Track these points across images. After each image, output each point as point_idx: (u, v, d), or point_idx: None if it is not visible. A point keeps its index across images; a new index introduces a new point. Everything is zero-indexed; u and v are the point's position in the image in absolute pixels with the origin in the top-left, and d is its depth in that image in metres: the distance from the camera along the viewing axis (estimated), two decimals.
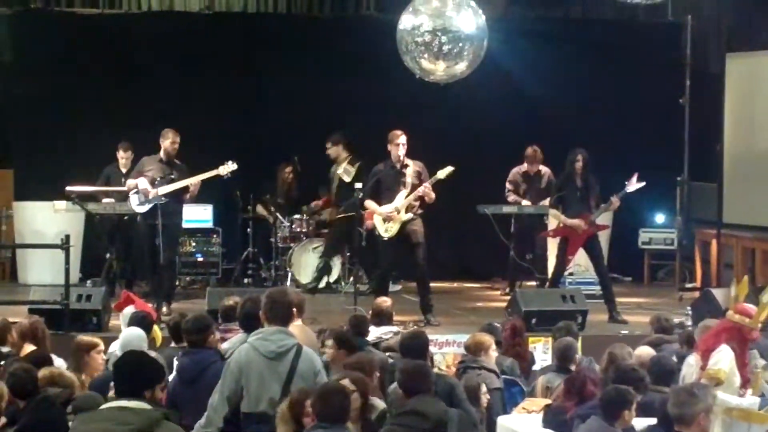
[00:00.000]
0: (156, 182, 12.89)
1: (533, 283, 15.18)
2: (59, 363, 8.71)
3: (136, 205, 12.97)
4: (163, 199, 12.80)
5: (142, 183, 12.88)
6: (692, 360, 8.18)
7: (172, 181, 12.98)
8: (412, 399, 7.31)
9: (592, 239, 13.61)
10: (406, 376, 7.47)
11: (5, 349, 8.79)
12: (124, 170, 14.91)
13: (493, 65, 14.19)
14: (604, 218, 16.30)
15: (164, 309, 12.69)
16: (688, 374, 8.14)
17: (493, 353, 9.00)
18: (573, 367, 8.67)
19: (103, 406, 5.66)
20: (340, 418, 6.34)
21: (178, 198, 13.09)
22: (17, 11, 16.08)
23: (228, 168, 13.36)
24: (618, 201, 13.64)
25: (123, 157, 14.97)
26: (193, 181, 13.03)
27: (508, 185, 15.10)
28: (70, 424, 5.51)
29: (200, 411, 7.38)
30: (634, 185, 13.63)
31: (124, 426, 5.33)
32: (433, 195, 12.65)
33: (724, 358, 7.89)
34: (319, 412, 6.31)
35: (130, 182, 13.14)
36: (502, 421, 8.00)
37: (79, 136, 15.71)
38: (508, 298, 14.07)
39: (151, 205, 12.80)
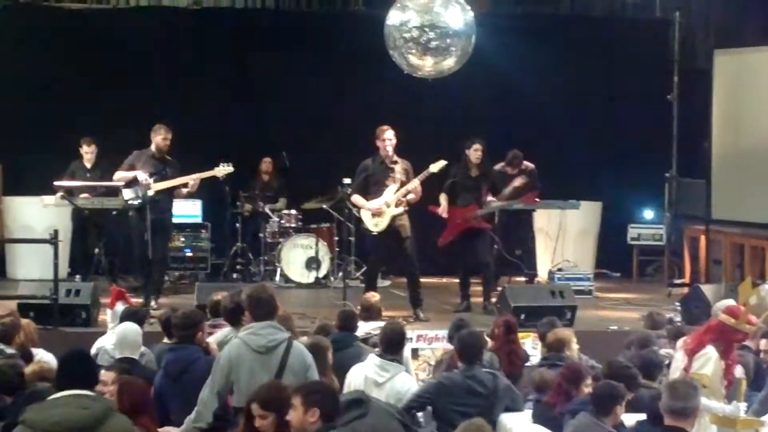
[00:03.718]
0: (147, 177, 12.85)
1: (522, 278, 15.22)
2: (48, 358, 8.68)
3: (128, 198, 12.92)
4: (154, 195, 12.76)
5: (142, 176, 12.81)
6: (680, 356, 8.17)
7: (165, 177, 12.97)
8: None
9: (470, 232, 13.31)
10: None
11: (10, 351, 8.52)
12: (88, 165, 14.97)
13: (481, 61, 14.18)
14: (593, 216, 16.38)
15: (152, 303, 12.72)
16: (676, 369, 8.13)
17: (575, 347, 9.05)
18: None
19: (57, 395, 5.73)
20: None
21: (170, 194, 13.09)
22: (5, 5, 16.08)
23: (224, 170, 13.38)
24: (499, 204, 13.75)
25: (87, 152, 14.98)
26: (190, 180, 13.01)
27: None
28: (20, 417, 5.64)
29: (186, 406, 7.40)
30: (530, 203, 14.02)
31: (84, 410, 5.47)
32: (420, 192, 12.61)
33: (708, 362, 7.83)
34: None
35: (124, 174, 13.04)
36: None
37: (67, 130, 15.65)
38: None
39: (142, 200, 12.76)
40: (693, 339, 8.06)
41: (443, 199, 13.40)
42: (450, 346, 9.88)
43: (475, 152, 13.36)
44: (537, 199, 14.12)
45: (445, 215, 13.37)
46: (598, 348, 10.26)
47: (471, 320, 10.54)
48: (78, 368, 5.86)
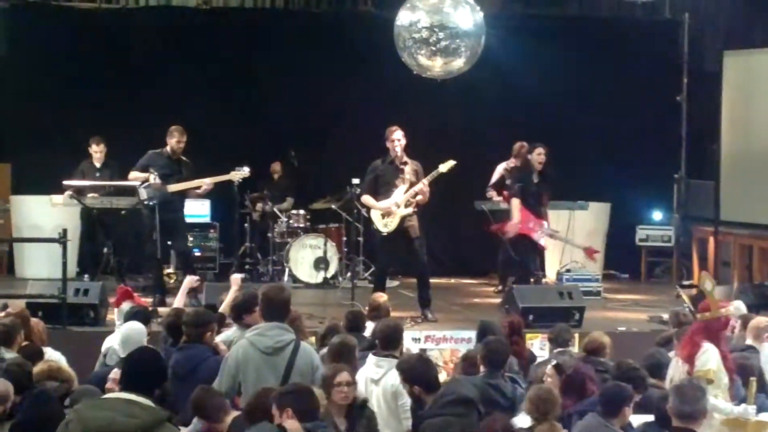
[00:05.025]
0: (157, 177, 12.94)
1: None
2: (57, 357, 8.69)
3: (144, 198, 13.01)
4: (168, 195, 12.93)
5: (154, 178, 12.92)
6: (677, 362, 8.19)
7: (180, 178, 13.17)
8: (451, 385, 7.51)
9: (526, 238, 13.45)
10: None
11: (9, 355, 8.37)
12: (98, 164, 15.04)
13: (490, 62, 14.17)
14: (602, 217, 16.37)
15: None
16: (675, 375, 8.13)
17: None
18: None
19: (110, 396, 5.62)
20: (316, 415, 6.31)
21: (183, 194, 13.33)
22: (15, 4, 16.12)
23: (239, 174, 13.54)
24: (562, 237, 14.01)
25: (96, 150, 15.04)
26: (207, 183, 13.20)
27: (492, 180, 15.12)
28: (74, 406, 5.45)
29: None
30: (589, 255, 14.35)
31: (131, 419, 5.26)
32: (428, 194, 12.57)
33: (711, 357, 7.92)
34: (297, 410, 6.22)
35: (138, 174, 13.17)
36: None
37: (76, 130, 15.69)
38: (501, 294, 14.17)
39: (157, 200, 12.83)
40: (684, 344, 8.13)
41: (517, 204, 13.43)
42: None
43: (538, 156, 13.37)
44: (595, 256, 14.47)
45: (518, 216, 13.42)
46: None
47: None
48: (136, 371, 5.58)
